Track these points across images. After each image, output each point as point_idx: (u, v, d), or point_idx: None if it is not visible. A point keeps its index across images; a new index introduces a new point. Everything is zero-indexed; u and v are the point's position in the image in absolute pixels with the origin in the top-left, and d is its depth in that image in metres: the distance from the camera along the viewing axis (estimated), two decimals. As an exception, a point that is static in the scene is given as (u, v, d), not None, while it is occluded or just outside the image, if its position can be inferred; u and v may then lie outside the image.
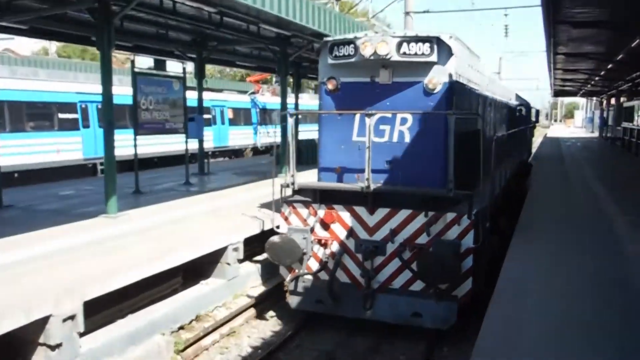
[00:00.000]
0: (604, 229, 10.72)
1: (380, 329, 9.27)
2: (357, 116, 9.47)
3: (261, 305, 10.23)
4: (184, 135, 16.44)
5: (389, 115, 9.32)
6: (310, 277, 9.46)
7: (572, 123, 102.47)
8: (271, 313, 10.18)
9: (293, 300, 9.51)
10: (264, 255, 11.52)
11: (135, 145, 15.12)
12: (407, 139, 9.34)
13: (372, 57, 9.07)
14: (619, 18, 15.86)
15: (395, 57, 9.04)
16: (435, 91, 9.16)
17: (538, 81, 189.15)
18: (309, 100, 43.71)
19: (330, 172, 9.75)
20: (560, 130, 77.38)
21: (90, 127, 24.11)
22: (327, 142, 9.81)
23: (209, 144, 30.30)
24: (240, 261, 10.84)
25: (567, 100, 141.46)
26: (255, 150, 35.97)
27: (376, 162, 9.24)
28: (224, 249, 10.32)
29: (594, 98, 63.90)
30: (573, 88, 47.57)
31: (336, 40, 9.46)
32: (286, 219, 9.62)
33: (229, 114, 34.06)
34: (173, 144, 26.35)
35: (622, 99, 43.16)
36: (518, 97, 21.32)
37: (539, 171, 20.07)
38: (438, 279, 8.46)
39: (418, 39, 8.99)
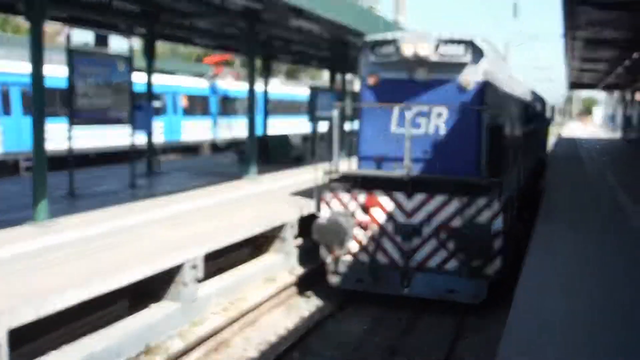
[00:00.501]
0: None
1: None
2: (396, 109, 11.88)
3: (224, 334, 10.12)
4: (129, 126, 16.25)
5: (426, 109, 11.78)
6: (350, 257, 11.74)
7: (591, 121, 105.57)
8: (237, 341, 10.08)
9: (334, 280, 11.89)
10: (231, 273, 12.02)
11: (69, 138, 14.91)
12: (442, 131, 11.79)
13: (412, 57, 11.60)
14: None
15: (433, 58, 11.58)
16: (468, 89, 11.66)
17: (550, 71, 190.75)
18: (281, 87, 43.36)
19: (370, 160, 12.22)
20: (576, 129, 77.83)
21: (12, 115, 23.72)
22: (367, 133, 12.26)
23: (159, 138, 30.00)
24: (200, 281, 10.73)
25: (584, 94, 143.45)
26: (215, 147, 35.63)
27: (414, 151, 11.63)
28: (180, 267, 10.19)
29: (615, 92, 64.34)
30: (592, 80, 47.38)
31: (378, 40, 12.03)
32: (327, 203, 11.85)
33: (183, 102, 33.76)
34: (116, 136, 26.01)
35: (650, 94, 45.41)
36: (533, 92, 22.59)
37: (555, 183, 20.27)
38: (474, 255, 10.89)
39: (454, 41, 11.55)
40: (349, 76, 34.12)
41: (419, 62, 11.71)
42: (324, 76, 58.56)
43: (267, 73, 27.19)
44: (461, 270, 11.15)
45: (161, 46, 57.33)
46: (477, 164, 11.65)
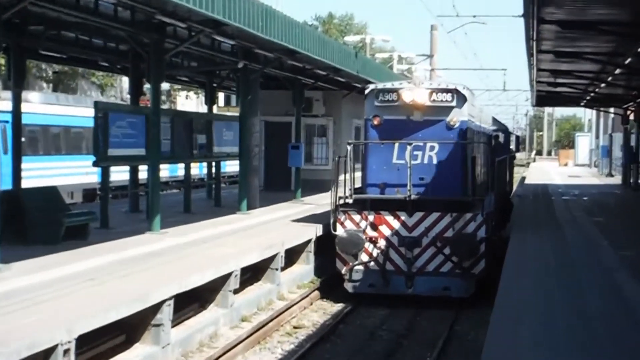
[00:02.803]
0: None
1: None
2: (397, 144, 14.22)
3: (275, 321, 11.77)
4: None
5: (421, 143, 14.18)
6: (362, 267, 13.81)
7: (571, 157, 66.32)
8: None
9: (349, 286, 13.85)
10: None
11: None
12: (435, 161, 14.25)
13: (411, 103, 14.08)
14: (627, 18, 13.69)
15: (427, 103, 14.14)
16: (454, 127, 14.29)
17: (505, 75, 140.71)
18: (44, 106, 24.93)
19: (375, 187, 14.42)
20: (549, 169, 55.13)
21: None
22: (372, 165, 14.55)
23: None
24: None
25: (560, 111, 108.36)
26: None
27: (412, 178, 13.87)
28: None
29: (611, 111, 43.47)
30: (570, 92, 30.78)
31: (382, 88, 14.61)
32: (342, 223, 14.05)
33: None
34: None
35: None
36: (495, 121, 24.03)
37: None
38: (464, 258, 13.46)
39: (443, 90, 14.26)
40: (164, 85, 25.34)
41: (416, 106, 14.17)
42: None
43: (19, 77, 15.49)
44: (454, 271, 13.60)
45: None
46: (463, 187, 14.39)
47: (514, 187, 32.16)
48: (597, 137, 57.73)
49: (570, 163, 64.95)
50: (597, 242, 15.00)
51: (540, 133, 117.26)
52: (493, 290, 10.35)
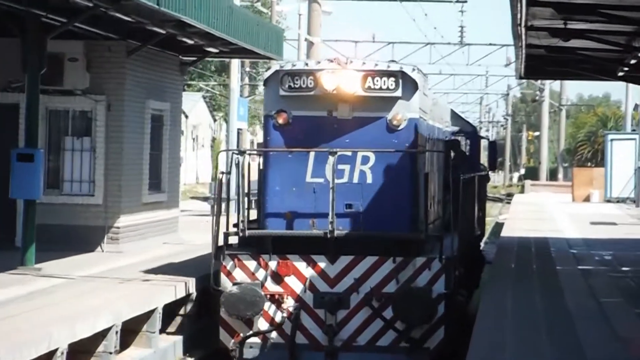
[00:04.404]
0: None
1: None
2: (312, 154, 11.20)
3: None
4: None
5: (350, 153, 11.16)
6: (259, 339, 11.04)
7: (598, 185, 38.09)
8: None
9: None
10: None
11: None
12: (369, 179, 11.22)
13: (334, 92, 10.95)
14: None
15: (359, 92, 11.03)
16: (399, 128, 11.18)
17: (463, 16, 61.83)
18: None
19: (279, 218, 11.26)
20: (553, 208, 32.95)
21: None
22: (274, 184, 11.35)
23: None
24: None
25: (575, 89, 68.56)
26: None
27: (335, 205, 10.82)
28: None
29: None
30: (596, 50, 16.22)
31: (291, 70, 11.31)
32: (229, 273, 11.05)
33: None
34: None
35: None
36: (455, 116, 17.96)
37: None
38: (416, 320, 10.56)
39: (383, 73, 11.10)
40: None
41: (342, 96, 11.20)
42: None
43: None
44: (397, 344, 10.81)
45: None
46: (411, 218, 11.32)
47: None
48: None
49: (595, 196, 36.94)
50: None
51: (536, 134, 64.60)
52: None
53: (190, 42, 16.04)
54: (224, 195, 12.22)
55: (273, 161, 11.37)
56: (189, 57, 18.51)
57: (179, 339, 11.96)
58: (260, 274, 10.88)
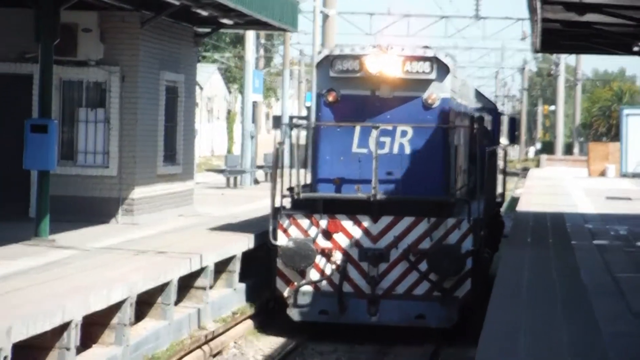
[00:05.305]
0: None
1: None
2: (357, 128, 12.48)
3: None
4: None
5: (390, 127, 12.48)
6: (311, 288, 12.26)
7: (614, 159, 38.08)
8: None
9: (295, 313, 12.18)
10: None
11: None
12: (407, 150, 12.58)
13: (377, 74, 12.30)
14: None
15: (399, 74, 12.37)
16: (433, 106, 12.53)
17: None
18: None
19: (328, 183, 12.62)
20: (567, 183, 32.37)
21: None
22: (325, 154, 12.74)
23: None
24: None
25: (591, 63, 67.70)
26: None
27: (378, 172, 12.15)
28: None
29: None
30: (613, 24, 15.54)
31: (339, 55, 12.71)
32: (285, 231, 12.31)
33: None
34: None
35: None
36: (479, 96, 18.72)
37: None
38: (447, 273, 11.89)
39: (419, 58, 12.46)
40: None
41: (383, 78, 12.39)
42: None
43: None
44: (431, 293, 11.93)
45: None
46: (444, 184, 12.60)
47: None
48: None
49: (611, 170, 36.80)
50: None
51: (552, 108, 65.62)
52: (481, 321, 8.56)
53: (204, 13, 15.77)
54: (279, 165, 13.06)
55: (324, 134, 12.76)
56: (203, 29, 18.24)
57: (194, 310, 11.97)
58: (312, 231, 12.22)
